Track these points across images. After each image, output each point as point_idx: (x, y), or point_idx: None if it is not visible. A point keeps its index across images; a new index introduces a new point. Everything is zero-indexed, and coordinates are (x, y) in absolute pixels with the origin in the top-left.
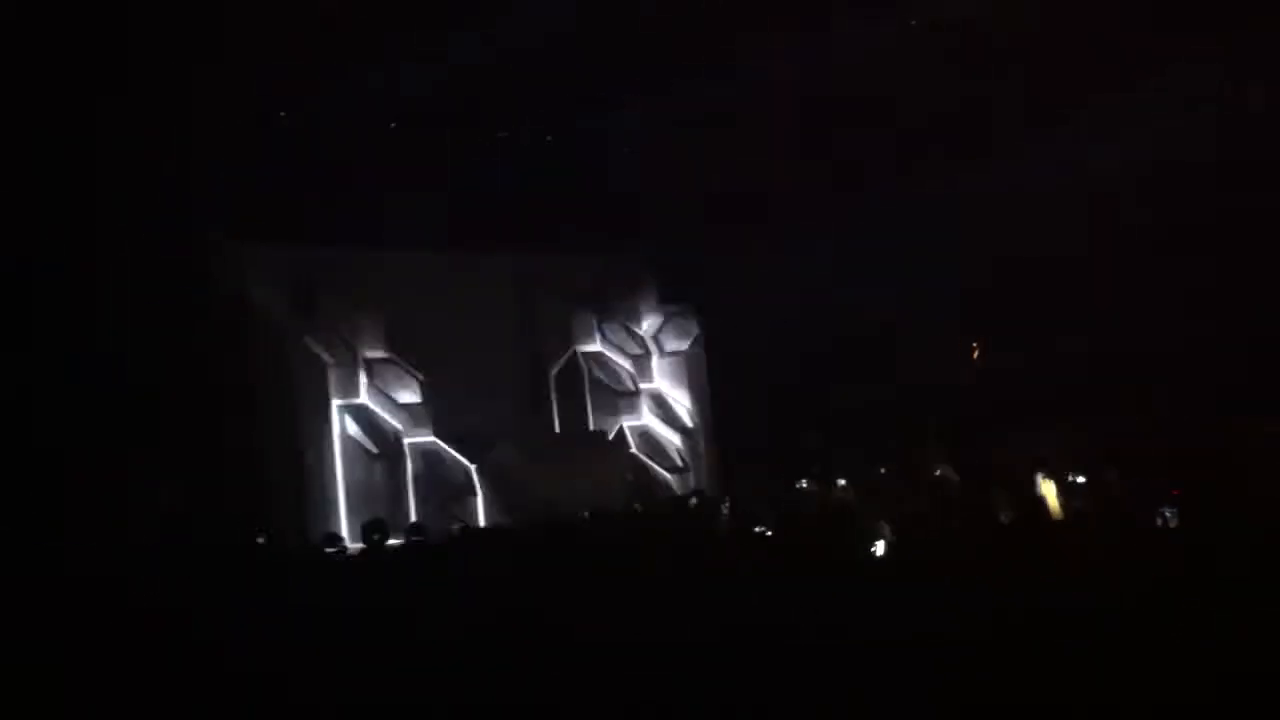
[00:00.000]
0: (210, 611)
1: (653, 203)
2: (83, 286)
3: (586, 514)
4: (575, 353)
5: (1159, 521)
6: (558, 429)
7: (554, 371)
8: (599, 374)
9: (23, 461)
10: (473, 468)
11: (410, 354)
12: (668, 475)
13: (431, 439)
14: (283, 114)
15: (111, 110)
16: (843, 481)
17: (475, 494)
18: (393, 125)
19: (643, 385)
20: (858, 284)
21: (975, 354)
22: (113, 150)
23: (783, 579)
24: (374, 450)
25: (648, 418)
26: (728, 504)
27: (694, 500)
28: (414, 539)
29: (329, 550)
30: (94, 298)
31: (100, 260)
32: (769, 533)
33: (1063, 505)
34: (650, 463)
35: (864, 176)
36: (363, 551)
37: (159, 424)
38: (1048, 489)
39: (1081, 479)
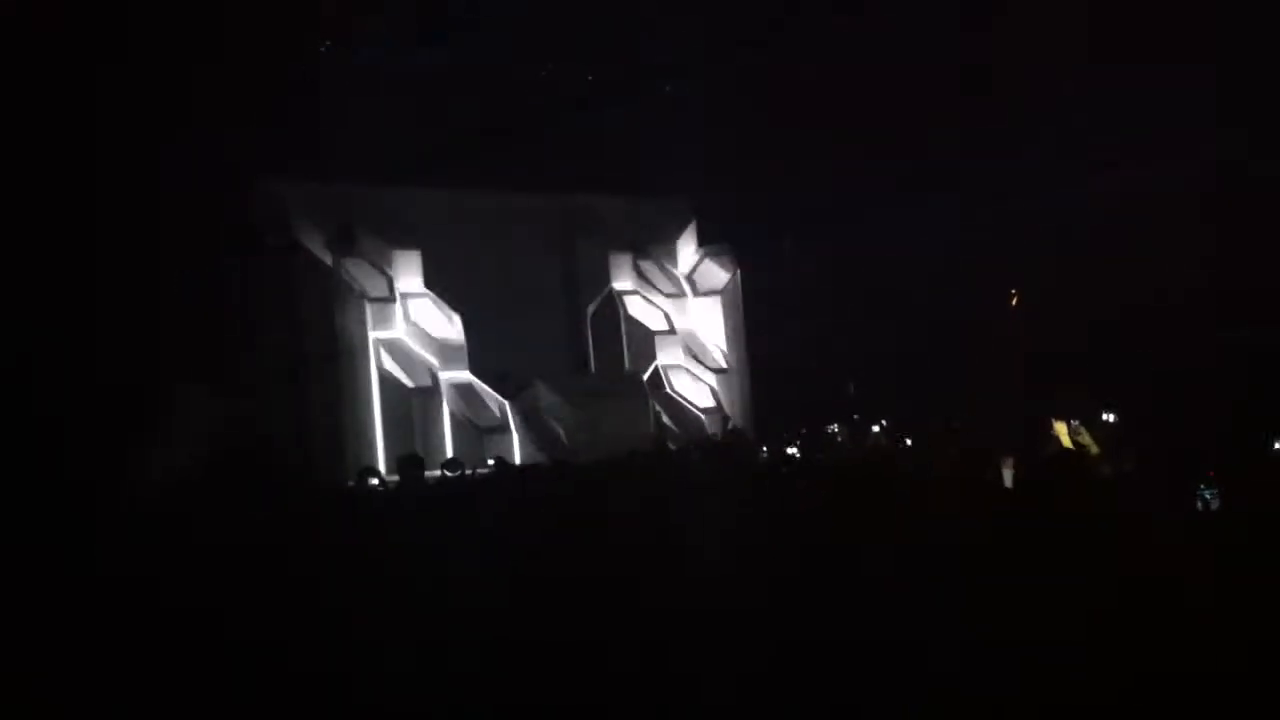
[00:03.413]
0: (249, 545)
1: (692, 143)
2: (124, 226)
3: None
4: (612, 292)
5: (1199, 505)
6: (593, 367)
7: (590, 310)
8: (635, 313)
9: (67, 396)
10: (508, 404)
11: (447, 290)
12: (701, 415)
13: (467, 375)
14: (324, 48)
15: (150, 52)
16: (882, 424)
17: (510, 431)
18: (435, 63)
19: (678, 325)
20: (896, 231)
21: (1013, 300)
22: (153, 91)
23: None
24: (410, 385)
25: (683, 358)
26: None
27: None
28: (449, 474)
29: (367, 483)
30: (136, 236)
31: (143, 200)
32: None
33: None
34: (684, 402)
35: (906, 123)
36: (399, 485)
37: (202, 359)
38: (1062, 430)
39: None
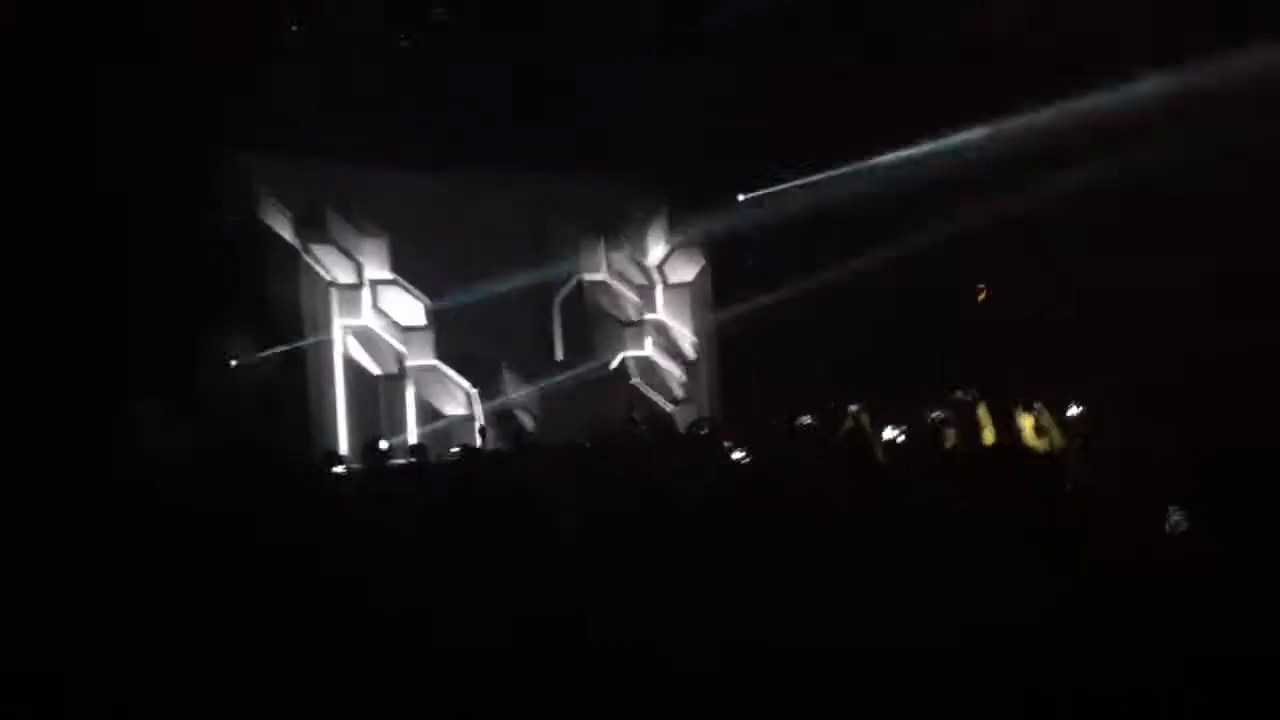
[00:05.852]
0: (215, 528)
1: (662, 132)
2: (90, 203)
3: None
4: (580, 281)
5: (1166, 528)
6: (560, 357)
7: (558, 299)
8: (603, 303)
9: (28, 378)
10: (474, 392)
11: (414, 277)
12: (669, 406)
13: (433, 362)
14: (294, 27)
15: (119, 25)
16: (855, 408)
17: (476, 418)
18: (403, 41)
19: (647, 315)
20: (869, 221)
21: (982, 296)
22: (121, 65)
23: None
24: (377, 372)
25: (651, 349)
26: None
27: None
28: (414, 460)
29: (331, 469)
30: (102, 214)
31: (109, 175)
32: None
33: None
34: (652, 394)
35: (880, 111)
36: (363, 470)
37: (166, 340)
38: (1026, 422)
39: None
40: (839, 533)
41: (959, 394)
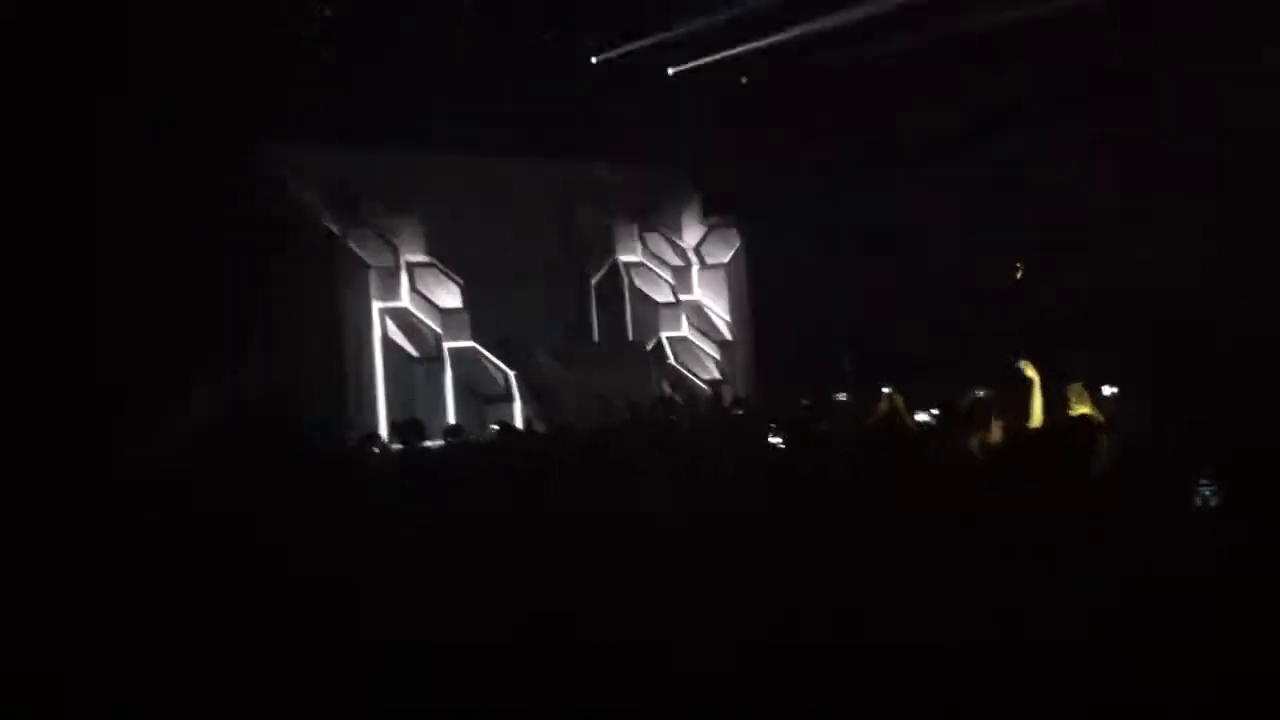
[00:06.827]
0: (251, 511)
1: (698, 113)
2: (125, 190)
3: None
4: (616, 262)
5: (1197, 501)
6: (597, 338)
7: (595, 280)
8: (640, 284)
9: (61, 365)
10: (511, 374)
11: (451, 259)
12: (705, 387)
13: (471, 344)
14: (327, 13)
15: (153, 15)
16: (888, 390)
17: (513, 399)
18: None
19: (683, 296)
20: (902, 199)
21: (1018, 274)
22: (153, 51)
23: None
24: (414, 354)
25: (687, 329)
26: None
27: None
28: (451, 440)
29: (369, 449)
30: (137, 201)
31: (142, 162)
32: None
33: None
34: (688, 374)
35: (909, 91)
36: (401, 451)
37: (204, 324)
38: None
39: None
40: (867, 531)
41: (1014, 361)
